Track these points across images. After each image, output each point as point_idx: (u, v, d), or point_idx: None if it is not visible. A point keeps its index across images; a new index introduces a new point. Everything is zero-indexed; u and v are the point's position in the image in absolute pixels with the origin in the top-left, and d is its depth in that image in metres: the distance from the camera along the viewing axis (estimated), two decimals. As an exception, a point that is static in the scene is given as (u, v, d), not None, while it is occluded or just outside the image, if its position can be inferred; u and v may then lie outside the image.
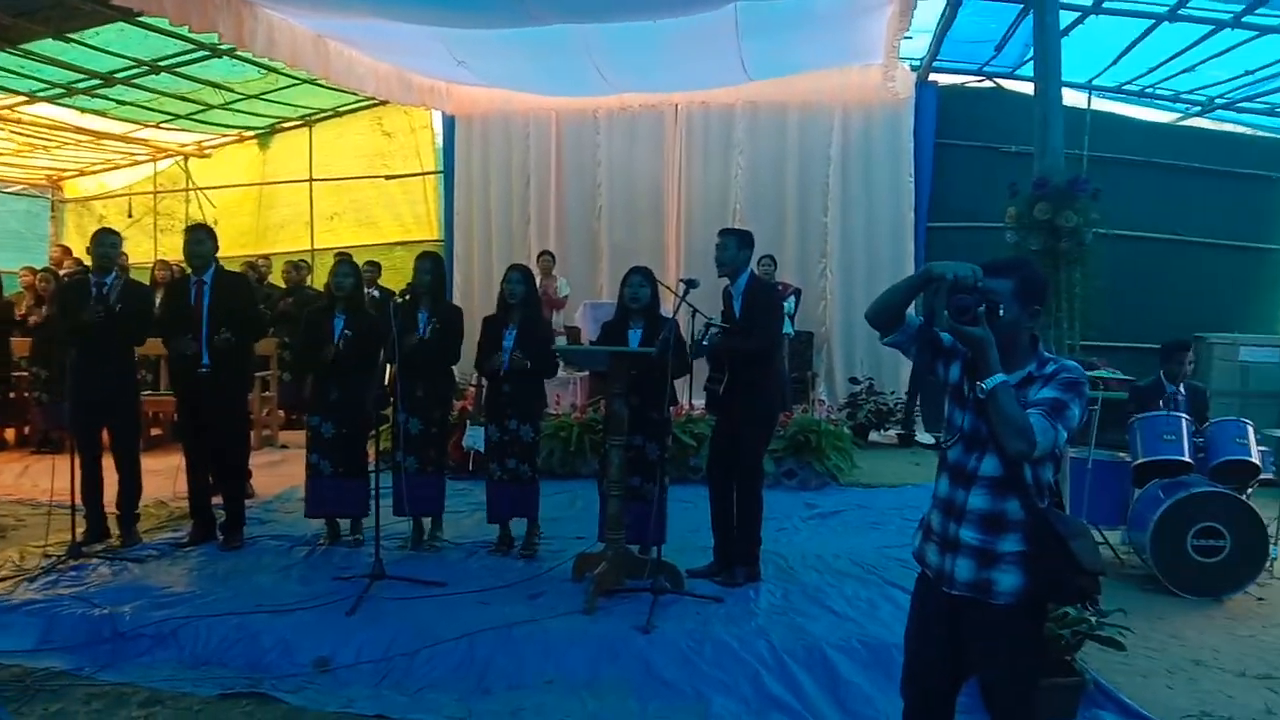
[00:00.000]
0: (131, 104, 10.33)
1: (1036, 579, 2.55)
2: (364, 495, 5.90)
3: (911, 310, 2.75)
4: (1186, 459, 5.90)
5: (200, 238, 5.98)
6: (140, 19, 7.48)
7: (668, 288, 6.01)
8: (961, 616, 2.65)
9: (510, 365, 5.59)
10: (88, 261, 6.13)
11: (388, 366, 5.48)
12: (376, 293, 5.53)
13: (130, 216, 13.11)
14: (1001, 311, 2.51)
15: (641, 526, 5.21)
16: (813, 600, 5.04)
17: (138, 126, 11.46)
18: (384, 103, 11.71)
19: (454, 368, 6.25)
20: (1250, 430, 6.04)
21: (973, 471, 2.63)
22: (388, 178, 12.59)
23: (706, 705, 4.03)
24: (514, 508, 5.84)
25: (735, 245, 5.31)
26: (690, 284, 5.17)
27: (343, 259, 6.21)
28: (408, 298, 5.66)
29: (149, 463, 6.61)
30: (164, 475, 6.94)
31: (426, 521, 6.09)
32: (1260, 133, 10.50)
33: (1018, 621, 2.59)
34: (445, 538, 6.10)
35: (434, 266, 5.99)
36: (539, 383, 5.91)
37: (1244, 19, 7.13)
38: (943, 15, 8.45)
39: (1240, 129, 10.55)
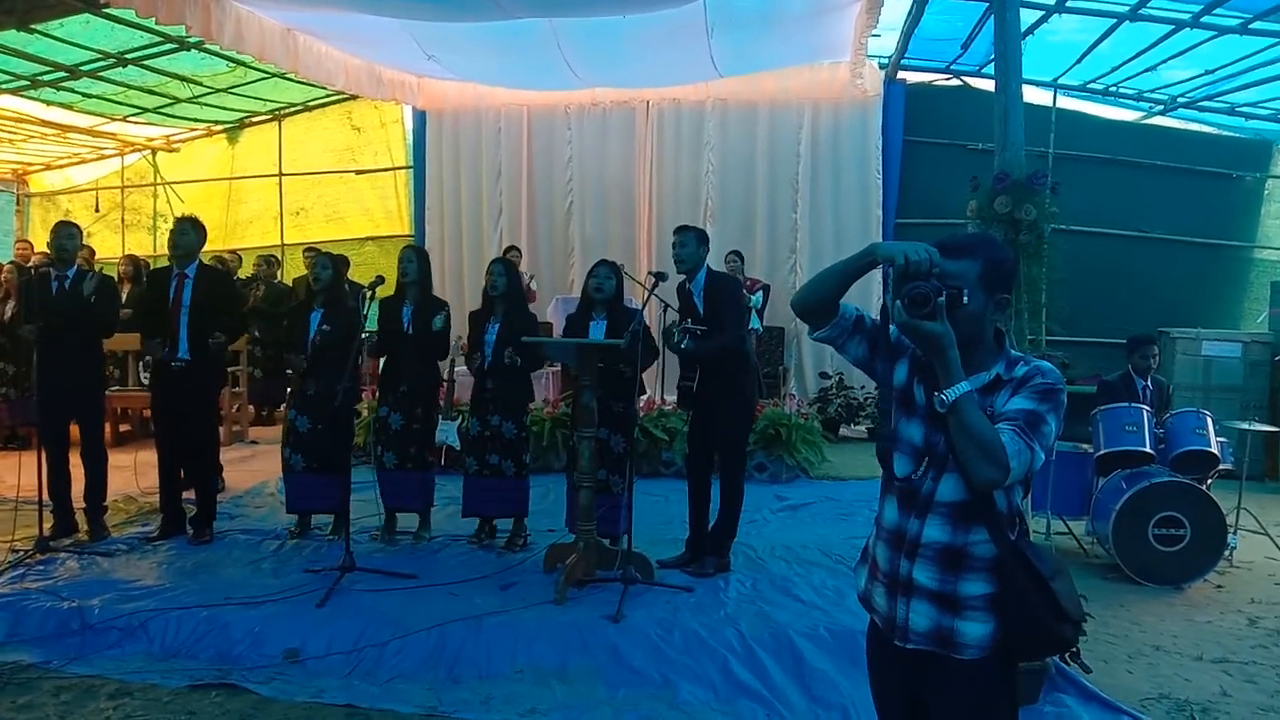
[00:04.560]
0: (98, 97, 10.23)
1: (1009, 627, 2.10)
2: (339, 491, 5.90)
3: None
4: (1148, 450, 6.01)
5: (184, 229, 5.94)
6: (106, 11, 7.41)
7: (637, 281, 6.06)
8: (921, 676, 2.20)
9: (493, 362, 5.61)
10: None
11: (361, 359, 5.48)
12: (346, 287, 5.65)
13: (97, 211, 12.98)
14: (966, 300, 2.06)
15: (610, 518, 5.25)
16: (781, 590, 5.10)
17: (104, 120, 11.34)
18: (354, 97, 11.64)
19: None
20: (1209, 421, 6.17)
21: (928, 495, 2.15)
22: (358, 173, 12.55)
23: (675, 692, 4.07)
24: (494, 503, 5.81)
25: (695, 242, 5.36)
26: (659, 277, 5.24)
27: (320, 253, 6.20)
28: (373, 293, 5.61)
29: (117, 458, 6.57)
30: (132, 470, 6.90)
31: (400, 517, 6.05)
32: (1221, 131, 10.68)
33: (987, 678, 2.14)
34: (427, 533, 6.05)
35: (419, 257, 5.99)
36: (524, 378, 5.88)
37: (1202, 19, 7.26)
38: (910, 13, 8.53)
39: (1201, 128, 10.71)
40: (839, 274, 2.22)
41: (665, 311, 5.48)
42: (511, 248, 10.58)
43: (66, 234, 5.92)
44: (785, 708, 3.98)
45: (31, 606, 4.70)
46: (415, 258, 5.96)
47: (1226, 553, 5.92)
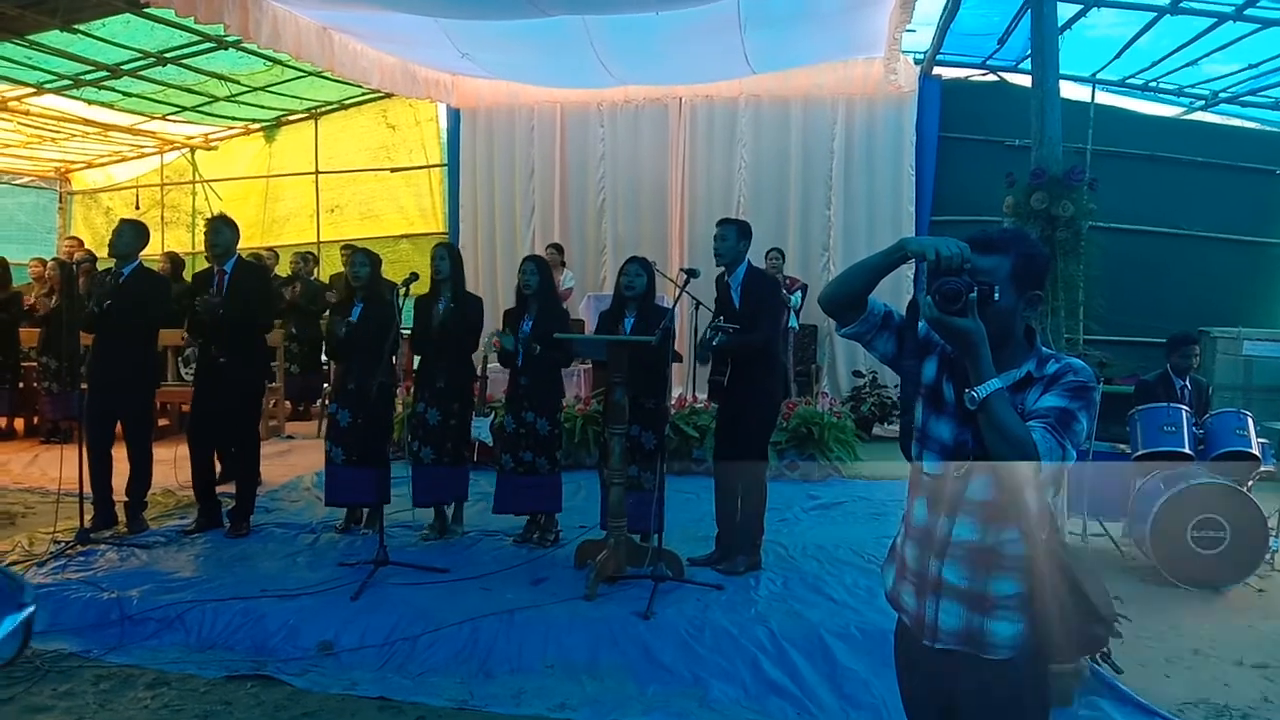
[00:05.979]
0: (138, 96, 10.38)
1: (1040, 627, 2.08)
2: (377, 484, 5.95)
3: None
4: (1187, 451, 5.92)
5: (215, 228, 6.05)
6: (146, 10, 7.52)
7: (668, 278, 6.06)
8: (950, 675, 2.19)
9: (523, 352, 5.64)
10: (101, 253, 6.22)
11: (394, 355, 5.53)
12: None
13: (137, 209, 13.15)
14: (997, 296, 2.04)
15: (641, 515, 5.25)
16: (812, 588, 5.07)
17: (144, 118, 11.51)
18: (389, 96, 11.74)
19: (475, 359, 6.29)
20: (1250, 422, 6.05)
21: (957, 494, 2.13)
22: (392, 170, 12.64)
23: (705, 690, 4.07)
24: (528, 500, 5.84)
25: (735, 236, 5.34)
26: (691, 274, 5.23)
27: (357, 249, 6.27)
28: (407, 289, 5.65)
29: (156, 452, 6.65)
30: (170, 464, 6.99)
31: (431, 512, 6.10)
32: (1264, 126, 10.49)
33: (1017, 678, 2.12)
34: (462, 527, 6.12)
35: (450, 254, 6.04)
36: (556, 375, 5.92)
37: (1245, 11, 7.13)
38: (945, 8, 8.46)
39: (1244, 123, 10.53)
40: (868, 269, 2.20)
41: (698, 309, 5.47)
42: (552, 245, 10.56)
43: (117, 231, 6.05)
44: (816, 707, 3.97)
45: (72, 597, 4.79)
46: (447, 254, 6.01)
47: (1268, 556, 5.81)
